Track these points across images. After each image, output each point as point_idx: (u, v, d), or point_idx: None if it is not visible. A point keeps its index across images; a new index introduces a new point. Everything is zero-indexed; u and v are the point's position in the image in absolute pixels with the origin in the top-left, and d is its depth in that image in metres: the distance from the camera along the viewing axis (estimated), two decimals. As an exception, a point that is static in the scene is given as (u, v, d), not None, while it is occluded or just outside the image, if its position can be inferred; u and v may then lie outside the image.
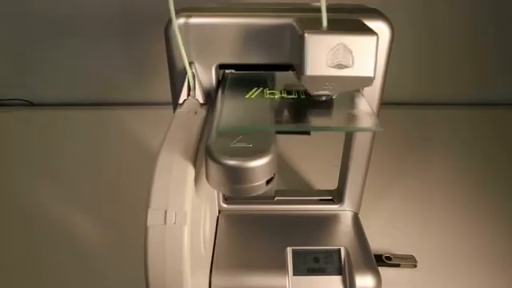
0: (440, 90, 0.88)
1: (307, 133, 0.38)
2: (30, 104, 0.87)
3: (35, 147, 0.73)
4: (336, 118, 0.38)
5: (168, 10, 0.36)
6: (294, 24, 0.36)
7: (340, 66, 0.32)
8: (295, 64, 0.35)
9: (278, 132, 0.34)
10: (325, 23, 0.34)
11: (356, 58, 0.32)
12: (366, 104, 0.38)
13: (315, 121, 0.37)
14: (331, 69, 0.32)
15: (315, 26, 0.33)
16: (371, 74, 0.33)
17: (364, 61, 0.32)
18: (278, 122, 0.35)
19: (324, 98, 0.38)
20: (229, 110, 0.36)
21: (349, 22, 0.35)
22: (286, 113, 0.37)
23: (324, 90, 0.33)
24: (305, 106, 0.38)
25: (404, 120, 0.81)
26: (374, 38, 0.32)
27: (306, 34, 0.32)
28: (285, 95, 0.39)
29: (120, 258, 0.49)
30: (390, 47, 0.39)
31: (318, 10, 0.34)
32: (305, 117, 0.38)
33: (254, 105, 0.37)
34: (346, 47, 0.32)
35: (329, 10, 0.34)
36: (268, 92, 0.39)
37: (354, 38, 0.32)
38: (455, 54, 0.84)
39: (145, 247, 0.30)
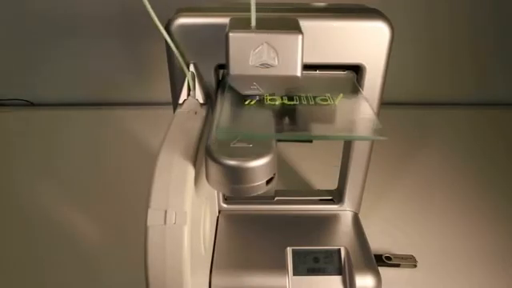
0: (440, 89, 0.88)
1: (309, 141, 0.37)
2: (30, 104, 0.87)
3: (35, 147, 0.73)
4: (339, 126, 0.36)
5: (169, 9, 0.36)
6: (227, 23, 0.35)
7: (265, 66, 0.32)
8: (225, 64, 0.34)
9: (279, 140, 0.33)
10: (253, 22, 0.33)
11: (281, 57, 0.31)
12: (370, 110, 0.36)
13: (317, 128, 0.36)
14: (256, 68, 0.32)
15: (243, 26, 0.33)
16: (296, 73, 0.32)
17: (289, 60, 0.32)
18: (279, 130, 0.34)
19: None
20: (228, 113, 0.36)
21: (281, 21, 0.34)
22: (286, 120, 0.36)
23: (253, 89, 0.33)
24: (306, 113, 0.37)
25: (404, 120, 0.81)
26: (299, 36, 0.31)
27: (229, 34, 0.31)
28: (286, 101, 0.37)
29: (120, 258, 0.49)
30: (390, 47, 0.39)
31: (319, 9, 0.34)
32: (306, 124, 0.36)
33: (254, 109, 0.37)
34: (270, 46, 0.31)
35: (328, 9, 0.33)
36: (269, 98, 0.37)
37: (278, 36, 0.31)
38: (455, 54, 0.84)
39: (145, 247, 0.30)
